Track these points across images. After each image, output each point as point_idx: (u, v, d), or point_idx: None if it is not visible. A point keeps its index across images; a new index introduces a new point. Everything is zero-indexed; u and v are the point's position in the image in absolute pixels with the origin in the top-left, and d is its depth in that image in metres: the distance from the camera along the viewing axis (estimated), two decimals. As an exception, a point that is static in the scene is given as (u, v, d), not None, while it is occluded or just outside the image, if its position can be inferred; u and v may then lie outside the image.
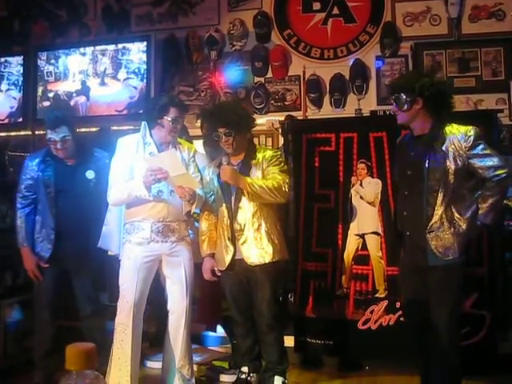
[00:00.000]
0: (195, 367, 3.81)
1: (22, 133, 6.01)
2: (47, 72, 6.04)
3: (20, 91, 6.15)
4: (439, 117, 3.14)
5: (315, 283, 4.34)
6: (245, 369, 3.79)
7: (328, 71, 5.42)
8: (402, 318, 3.90)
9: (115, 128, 5.67)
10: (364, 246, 4.24)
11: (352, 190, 4.25)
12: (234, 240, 3.60)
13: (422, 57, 5.23)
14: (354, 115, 5.25)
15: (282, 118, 5.23)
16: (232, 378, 3.93)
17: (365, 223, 4.25)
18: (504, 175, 3.02)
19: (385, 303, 4.14)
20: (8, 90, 6.20)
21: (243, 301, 3.70)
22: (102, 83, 5.87)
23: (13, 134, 6.10)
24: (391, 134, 4.03)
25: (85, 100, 5.92)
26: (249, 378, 3.77)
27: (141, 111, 5.23)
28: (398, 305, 4.04)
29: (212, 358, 4.52)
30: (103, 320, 3.92)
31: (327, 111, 5.40)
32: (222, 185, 3.63)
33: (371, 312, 4.17)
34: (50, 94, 5.95)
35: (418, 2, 5.30)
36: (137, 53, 5.76)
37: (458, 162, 3.05)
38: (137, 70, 5.74)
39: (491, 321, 3.97)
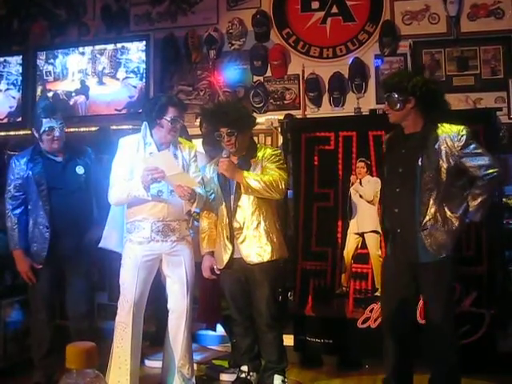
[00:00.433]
0: (195, 366, 3.80)
1: (21, 132, 6.00)
2: (46, 71, 6.03)
3: (19, 91, 6.14)
4: (431, 116, 3.17)
5: (315, 282, 4.35)
6: (244, 368, 3.79)
7: (327, 70, 5.41)
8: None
9: (114, 127, 5.67)
10: (363, 245, 4.25)
11: (351, 189, 4.26)
12: (232, 239, 3.60)
13: (421, 55, 5.23)
14: (353, 114, 5.24)
15: (281, 117, 5.24)
16: (232, 377, 3.93)
17: (364, 222, 4.25)
18: (495, 174, 3.08)
19: (384, 302, 4.15)
20: (7, 89, 6.20)
21: (242, 300, 3.70)
22: (101, 82, 5.87)
23: (12, 133, 6.09)
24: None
25: (84, 99, 5.91)
26: (248, 377, 3.77)
27: (140, 111, 5.23)
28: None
29: (212, 357, 4.53)
30: (93, 322, 3.92)
31: (326, 110, 5.40)
32: (222, 183, 3.63)
33: (371, 311, 4.18)
34: (49, 94, 5.94)
35: (416, 1, 5.30)
36: (136, 52, 5.75)
37: (451, 160, 3.09)
38: (136, 70, 5.74)
39: (490, 319, 3.97)
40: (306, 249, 4.38)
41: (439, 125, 3.16)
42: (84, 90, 5.91)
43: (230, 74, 5.67)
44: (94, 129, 5.74)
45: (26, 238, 3.72)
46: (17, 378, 3.99)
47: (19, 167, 3.75)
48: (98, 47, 5.90)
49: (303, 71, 5.38)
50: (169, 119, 3.46)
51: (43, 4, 6.19)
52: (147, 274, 3.52)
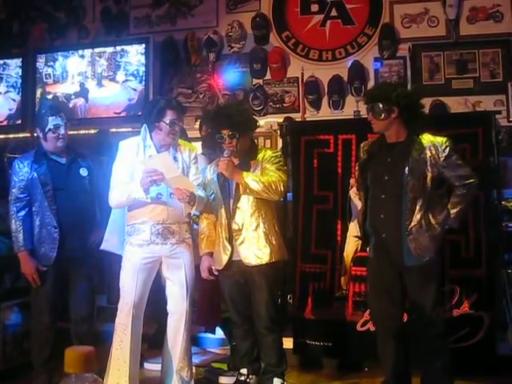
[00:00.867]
0: (194, 369, 3.80)
1: (21, 135, 6.01)
2: (46, 74, 6.05)
3: (19, 93, 6.16)
4: (414, 126, 3.32)
5: (314, 285, 4.34)
6: (244, 371, 3.78)
7: (326, 73, 5.42)
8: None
9: (114, 130, 5.68)
10: (363, 248, 4.24)
11: (351, 192, 4.24)
12: (231, 240, 3.60)
13: (420, 58, 5.24)
14: (352, 117, 5.25)
15: (281, 120, 5.24)
16: (231, 379, 3.93)
17: (363, 225, 4.25)
18: (473, 184, 3.29)
19: (383, 305, 4.15)
20: (7, 92, 6.21)
21: (241, 302, 3.70)
22: (101, 85, 5.88)
23: (11, 136, 6.10)
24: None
25: (83, 102, 5.93)
26: (248, 380, 3.76)
27: (139, 113, 5.24)
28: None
29: (211, 359, 4.53)
30: (93, 325, 3.91)
31: (326, 113, 5.41)
32: (221, 184, 3.63)
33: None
34: (49, 96, 5.95)
35: (416, 4, 5.31)
36: (135, 55, 5.77)
37: (434, 169, 3.25)
38: (135, 72, 5.75)
39: (490, 322, 3.97)
40: (306, 251, 4.38)
41: (422, 135, 3.31)
42: (83, 92, 5.92)
43: (229, 76, 5.68)
44: (93, 131, 5.75)
45: (32, 239, 3.70)
46: (16, 381, 3.99)
47: (23, 169, 3.75)
48: (97, 50, 5.91)
49: (302, 74, 5.40)
50: (167, 122, 3.46)
51: (43, 7, 6.21)
52: (147, 276, 3.52)
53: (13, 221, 3.72)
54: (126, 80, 5.79)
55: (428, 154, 3.23)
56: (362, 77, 5.32)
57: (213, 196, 3.71)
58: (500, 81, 5.07)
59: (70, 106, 5.89)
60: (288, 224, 4.47)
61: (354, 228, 4.25)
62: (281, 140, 4.94)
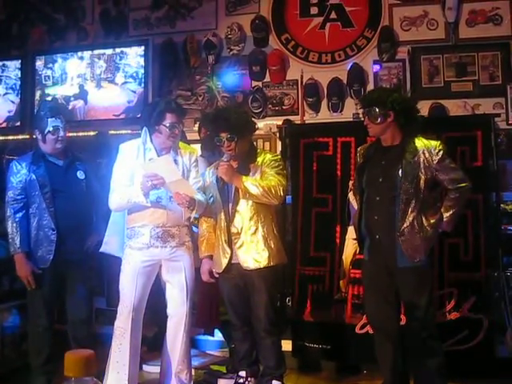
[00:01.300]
0: (193, 372, 3.80)
1: (20, 137, 6.00)
2: (45, 76, 6.04)
3: (18, 95, 6.15)
4: (408, 130, 3.37)
5: (313, 287, 4.35)
6: (243, 373, 3.78)
7: (326, 75, 5.42)
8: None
9: (113, 132, 5.68)
10: (361, 251, 4.24)
11: (350, 194, 4.25)
12: (231, 243, 3.60)
13: (420, 61, 5.24)
14: (351, 119, 5.25)
15: (280, 123, 5.23)
16: (230, 382, 3.92)
17: (362, 227, 4.25)
18: (466, 187, 3.34)
19: (382, 307, 4.15)
20: (6, 93, 6.20)
21: (240, 305, 3.70)
22: (100, 87, 5.87)
23: (10, 137, 6.09)
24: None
25: (82, 104, 5.92)
26: (246, 383, 3.76)
27: (138, 115, 5.24)
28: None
29: (210, 362, 4.53)
30: (91, 328, 3.90)
31: (325, 115, 5.41)
32: (220, 187, 3.63)
33: (369, 316, 4.17)
34: (48, 98, 5.94)
35: (415, 7, 5.31)
36: (134, 57, 5.76)
37: (428, 172, 3.30)
38: (135, 74, 5.75)
39: (488, 325, 3.97)
40: (305, 254, 4.38)
41: (416, 138, 3.36)
42: (82, 94, 5.91)
43: (228, 79, 5.68)
44: (92, 133, 5.75)
45: (28, 241, 3.68)
46: (15, 383, 3.98)
47: (21, 170, 3.73)
48: (96, 52, 5.90)
49: (302, 76, 5.39)
50: (167, 125, 3.46)
51: (42, 9, 6.20)
52: (146, 279, 3.52)
53: (9, 223, 3.69)
54: (125, 82, 5.78)
55: (421, 157, 3.29)
56: (362, 79, 5.32)
57: (212, 199, 3.71)
58: (499, 84, 5.07)
59: (69, 107, 5.88)
60: (287, 227, 4.47)
61: (352, 231, 4.24)
62: (280, 142, 4.94)
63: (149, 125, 3.53)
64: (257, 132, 3.96)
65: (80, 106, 5.91)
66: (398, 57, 5.30)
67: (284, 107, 5.55)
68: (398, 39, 5.31)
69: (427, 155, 3.29)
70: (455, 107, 5.05)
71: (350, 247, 4.24)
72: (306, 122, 5.33)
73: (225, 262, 3.59)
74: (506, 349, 4.02)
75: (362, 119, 4.95)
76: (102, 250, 3.69)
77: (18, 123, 6.11)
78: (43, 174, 3.72)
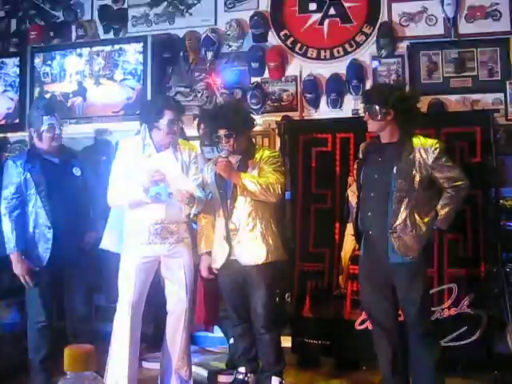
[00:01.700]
0: (193, 368, 3.80)
1: (19, 134, 5.99)
2: (44, 73, 6.02)
3: (16, 92, 6.13)
4: (407, 128, 3.38)
5: (312, 283, 4.35)
6: (242, 369, 3.79)
7: (325, 71, 5.40)
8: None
9: (112, 129, 5.67)
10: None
11: (349, 191, 4.25)
12: (229, 239, 3.60)
13: (419, 57, 5.22)
14: (350, 116, 5.24)
15: (279, 119, 5.23)
16: (229, 378, 3.94)
17: (362, 223, 4.25)
18: (462, 186, 3.33)
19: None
20: (4, 91, 6.18)
21: (239, 301, 3.70)
22: (99, 84, 5.86)
23: (9, 135, 6.08)
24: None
25: (81, 101, 5.90)
26: (246, 379, 3.77)
27: (137, 112, 5.23)
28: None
29: (209, 358, 4.53)
30: (91, 324, 3.90)
31: (324, 112, 5.39)
32: (219, 183, 3.63)
33: (368, 312, 4.18)
34: (47, 95, 5.92)
35: (414, 2, 5.29)
36: (133, 53, 5.74)
37: (423, 171, 3.30)
38: (133, 71, 5.73)
39: (487, 321, 3.98)
40: (304, 250, 4.39)
41: (414, 137, 3.36)
42: (81, 91, 5.90)
43: (227, 75, 5.67)
44: (91, 130, 5.74)
45: (24, 240, 3.69)
46: (15, 380, 3.98)
47: (16, 169, 3.72)
48: (95, 49, 5.89)
49: (301, 73, 5.38)
50: (166, 122, 3.46)
51: (41, 5, 6.18)
52: (146, 276, 3.52)
53: (5, 221, 3.69)
54: (124, 79, 5.76)
55: (417, 155, 3.30)
56: (361, 75, 5.30)
57: (210, 195, 3.71)
58: (498, 79, 5.05)
59: (68, 105, 5.87)
60: (286, 223, 4.47)
61: (351, 227, 4.26)
62: (279, 139, 4.93)
63: (148, 121, 3.53)
64: (256, 128, 3.97)
65: (79, 103, 5.90)
66: (397, 52, 5.28)
67: (283, 103, 5.54)
68: (396, 35, 5.29)
69: (423, 154, 3.30)
70: (454, 103, 5.04)
71: (349, 243, 4.25)
72: (305, 118, 5.32)
73: (223, 258, 3.60)
74: (506, 344, 4.02)
75: (362, 115, 4.99)
76: (100, 246, 3.69)
77: (17, 120, 6.09)
78: (38, 172, 3.71)
